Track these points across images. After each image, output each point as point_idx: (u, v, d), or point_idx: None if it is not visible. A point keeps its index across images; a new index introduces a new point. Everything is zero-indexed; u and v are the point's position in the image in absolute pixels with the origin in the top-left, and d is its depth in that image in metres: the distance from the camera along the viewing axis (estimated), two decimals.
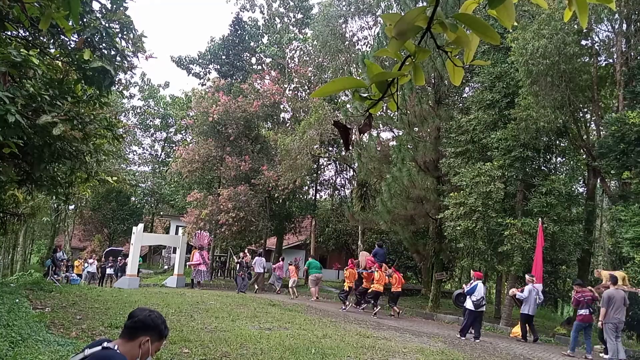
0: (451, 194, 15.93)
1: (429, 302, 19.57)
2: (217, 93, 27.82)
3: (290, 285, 20.32)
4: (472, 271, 14.65)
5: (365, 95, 1.66)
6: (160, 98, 46.16)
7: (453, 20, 1.50)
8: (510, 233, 14.40)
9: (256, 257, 22.55)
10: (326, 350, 8.29)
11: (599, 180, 17.62)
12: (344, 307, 17.14)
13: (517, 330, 13.64)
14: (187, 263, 23.19)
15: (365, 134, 21.85)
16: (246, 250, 24.60)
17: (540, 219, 14.10)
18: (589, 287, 12.64)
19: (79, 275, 25.73)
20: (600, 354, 11.69)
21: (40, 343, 6.52)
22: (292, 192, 26.67)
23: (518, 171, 15.49)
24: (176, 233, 32.73)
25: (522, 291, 13.34)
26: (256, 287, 21.90)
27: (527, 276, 13.78)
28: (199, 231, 24.95)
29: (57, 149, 7.76)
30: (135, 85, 44.23)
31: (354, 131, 18.93)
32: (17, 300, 9.64)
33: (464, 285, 14.75)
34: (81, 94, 7.81)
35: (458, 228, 15.30)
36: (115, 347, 2.31)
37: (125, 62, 7.63)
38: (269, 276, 24.94)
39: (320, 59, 29.15)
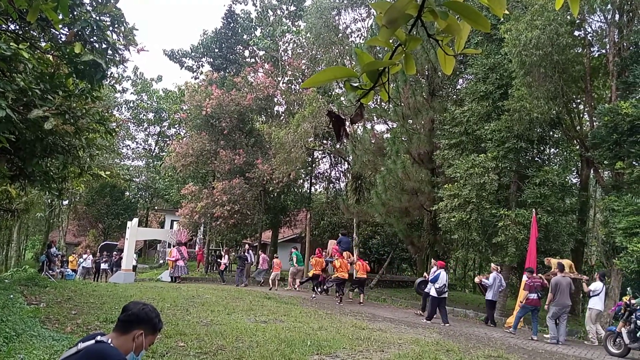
0: (445, 186, 15.96)
1: None
2: (210, 86, 27.65)
3: (271, 278, 20.95)
4: (432, 260, 15.37)
5: (356, 85, 1.65)
6: (153, 92, 45.84)
7: (444, 8, 1.49)
8: (504, 224, 14.47)
9: (248, 252, 23.02)
10: (322, 342, 8.32)
11: (592, 171, 17.72)
12: (314, 295, 17.90)
13: (511, 320, 13.74)
14: (166, 259, 23.40)
15: (359, 127, 21.85)
16: (220, 249, 24.88)
17: (534, 209, 14.17)
18: (539, 275, 13.35)
19: (74, 271, 25.67)
20: (545, 336, 12.36)
21: (34, 338, 6.51)
22: (287, 186, 26.63)
23: (512, 162, 15.53)
24: (171, 227, 32.64)
25: (487, 279, 14.36)
26: (246, 281, 22.08)
27: (492, 264, 14.82)
28: (177, 229, 25.12)
29: (49, 144, 7.71)
30: (128, 80, 43.93)
31: (347, 123, 18.95)
32: (11, 296, 9.61)
33: (425, 274, 15.83)
34: (73, 88, 7.73)
35: (452, 220, 15.34)
36: (109, 341, 2.31)
37: (117, 55, 7.55)
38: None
39: (313, 52, 29.03)
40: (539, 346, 10.92)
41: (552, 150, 19.67)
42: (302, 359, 7.14)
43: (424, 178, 18.46)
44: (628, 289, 12.87)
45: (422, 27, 1.57)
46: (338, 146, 26.86)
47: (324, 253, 20.00)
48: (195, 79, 37.29)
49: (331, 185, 34.72)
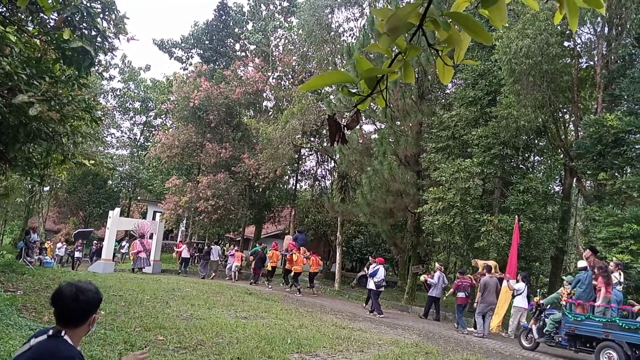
0: (430, 189, 16.06)
1: (404, 295, 19.76)
2: (199, 78, 27.45)
3: (232, 270, 21.68)
4: (370, 257, 16.86)
5: (353, 90, 1.64)
6: (140, 81, 45.19)
7: (445, 19, 1.48)
8: (487, 229, 14.61)
9: (212, 246, 23.85)
10: (302, 341, 8.32)
11: (575, 180, 17.96)
12: (270, 287, 18.70)
13: (494, 323, 13.82)
14: (130, 252, 23.76)
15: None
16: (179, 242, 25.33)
17: (516, 216, 14.32)
18: (469, 275, 14.65)
19: (53, 258, 25.31)
20: (470, 329, 13.49)
21: (10, 327, 6.39)
22: (273, 182, 26.58)
23: (497, 168, 15.68)
24: (153, 218, 32.31)
25: (432, 277, 15.66)
26: (213, 274, 22.51)
27: (436, 264, 16.36)
28: (140, 223, 25.11)
29: (32, 130, 7.57)
30: (116, 67, 43.24)
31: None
32: None
33: (365, 269, 16.88)
34: (59, 74, 7.60)
35: (436, 222, 15.45)
36: (63, 334, 2.19)
37: (106, 43, 7.45)
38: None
39: (305, 49, 28.90)
40: (516, 351, 11.04)
41: (537, 158, 19.90)
42: (282, 357, 7.12)
43: (410, 180, 18.53)
44: (538, 290, 14.01)
45: (422, 36, 1.56)
46: (326, 145, 26.83)
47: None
48: (184, 70, 36.94)
49: (317, 183, 34.68)
